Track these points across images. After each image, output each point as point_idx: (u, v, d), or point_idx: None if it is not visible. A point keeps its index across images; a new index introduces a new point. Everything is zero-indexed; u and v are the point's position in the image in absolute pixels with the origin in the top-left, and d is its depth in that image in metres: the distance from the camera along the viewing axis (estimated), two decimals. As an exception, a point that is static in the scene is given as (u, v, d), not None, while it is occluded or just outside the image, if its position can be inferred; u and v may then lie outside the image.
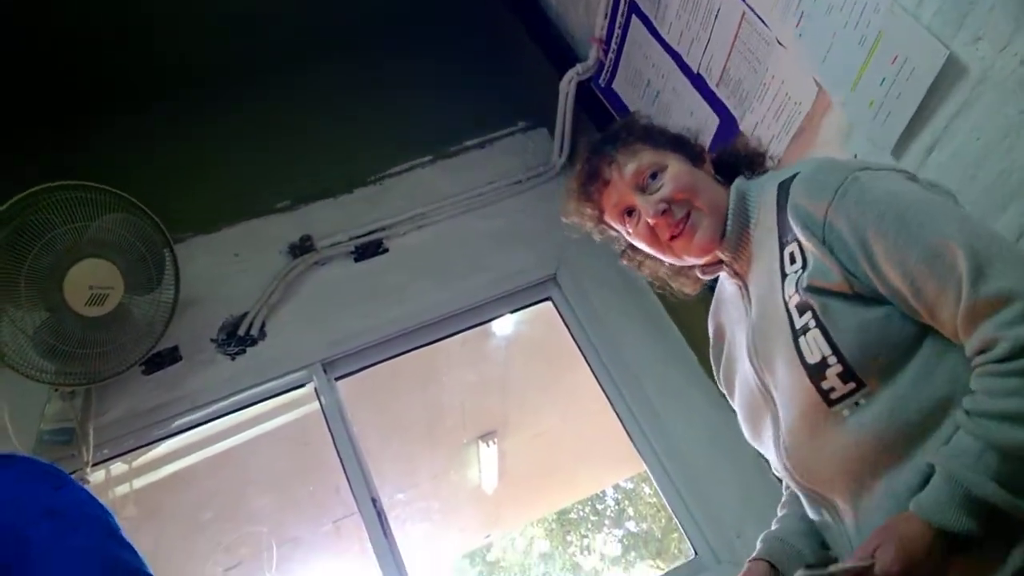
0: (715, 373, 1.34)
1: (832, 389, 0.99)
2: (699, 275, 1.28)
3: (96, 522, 1.06)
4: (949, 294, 0.92)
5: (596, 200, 1.25)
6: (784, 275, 1.07)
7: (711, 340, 1.35)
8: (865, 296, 1.00)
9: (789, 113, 1.71)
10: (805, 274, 1.03)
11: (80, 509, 1.04)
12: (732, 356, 1.25)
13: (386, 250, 2.65)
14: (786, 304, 1.05)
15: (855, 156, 1.60)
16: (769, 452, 1.15)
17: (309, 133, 2.79)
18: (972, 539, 0.88)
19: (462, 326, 2.62)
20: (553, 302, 2.66)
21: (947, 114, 1.39)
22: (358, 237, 2.64)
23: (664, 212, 1.16)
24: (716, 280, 1.30)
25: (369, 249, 2.64)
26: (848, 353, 0.97)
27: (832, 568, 0.91)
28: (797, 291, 1.03)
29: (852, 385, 0.98)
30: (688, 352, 2.43)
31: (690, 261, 1.22)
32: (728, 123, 1.91)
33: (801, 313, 1.02)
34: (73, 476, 2.16)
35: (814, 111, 1.66)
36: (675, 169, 1.20)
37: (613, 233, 1.30)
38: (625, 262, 1.37)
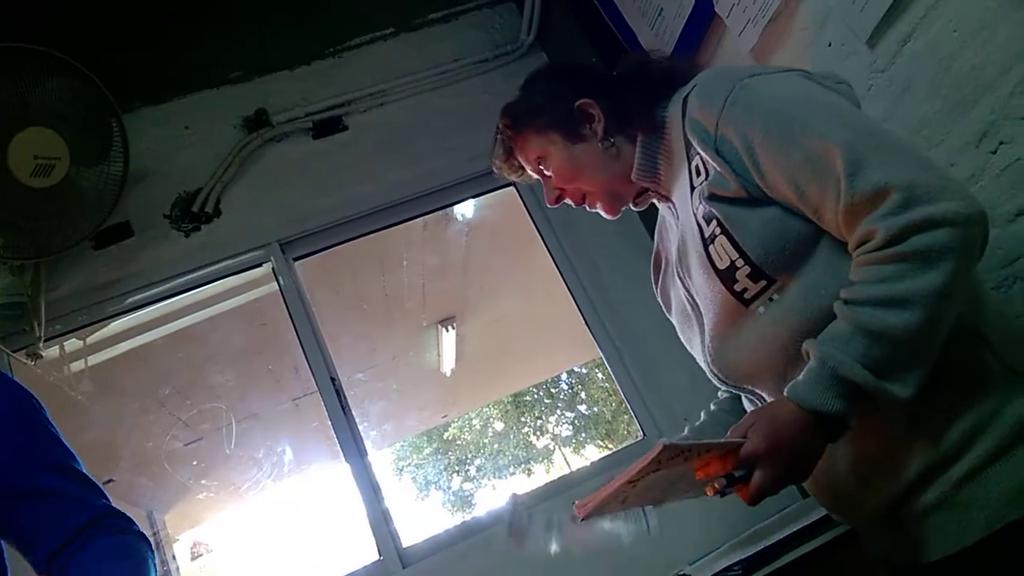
0: (654, 288, 1.40)
1: (745, 290, 1.03)
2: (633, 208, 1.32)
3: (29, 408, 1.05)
4: (830, 194, 0.94)
5: (521, 173, 1.37)
6: (692, 188, 1.11)
7: (652, 258, 1.39)
8: (761, 199, 1.02)
9: (767, -4, 1.66)
10: (706, 184, 1.06)
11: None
12: (669, 273, 1.29)
13: (346, 128, 2.57)
14: (695, 215, 1.09)
15: (829, 44, 1.57)
16: (699, 358, 1.20)
17: (263, -1, 2.63)
18: (844, 422, 0.91)
19: (423, 209, 2.58)
20: (516, 188, 2.63)
21: (926, 3, 1.36)
22: (316, 113, 2.54)
23: (559, 198, 1.30)
24: None
25: (328, 126, 2.55)
26: (753, 253, 1.01)
27: (698, 442, 0.93)
28: (702, 202, 1.07)
29: (763, 283, 1.01)
30: (647, 241, 2.43)
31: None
32: (704, 4, 1.85)
33: (708, 223, 1.06)
34: (26, 351, 2.15)
35: (792, -6, 1.60)
36: (555, 160, 1.25)
37: None
38: None
